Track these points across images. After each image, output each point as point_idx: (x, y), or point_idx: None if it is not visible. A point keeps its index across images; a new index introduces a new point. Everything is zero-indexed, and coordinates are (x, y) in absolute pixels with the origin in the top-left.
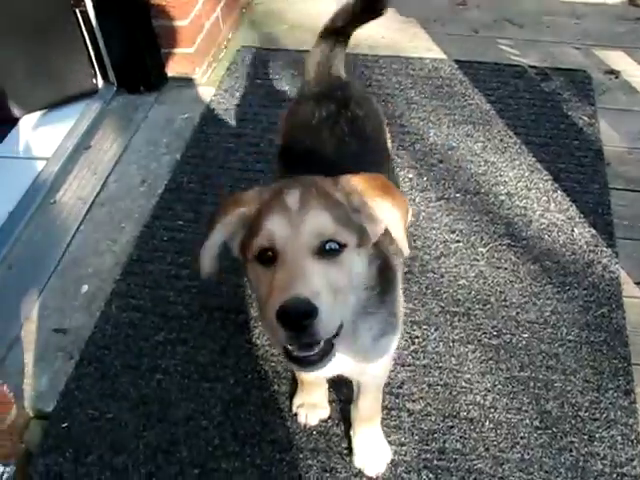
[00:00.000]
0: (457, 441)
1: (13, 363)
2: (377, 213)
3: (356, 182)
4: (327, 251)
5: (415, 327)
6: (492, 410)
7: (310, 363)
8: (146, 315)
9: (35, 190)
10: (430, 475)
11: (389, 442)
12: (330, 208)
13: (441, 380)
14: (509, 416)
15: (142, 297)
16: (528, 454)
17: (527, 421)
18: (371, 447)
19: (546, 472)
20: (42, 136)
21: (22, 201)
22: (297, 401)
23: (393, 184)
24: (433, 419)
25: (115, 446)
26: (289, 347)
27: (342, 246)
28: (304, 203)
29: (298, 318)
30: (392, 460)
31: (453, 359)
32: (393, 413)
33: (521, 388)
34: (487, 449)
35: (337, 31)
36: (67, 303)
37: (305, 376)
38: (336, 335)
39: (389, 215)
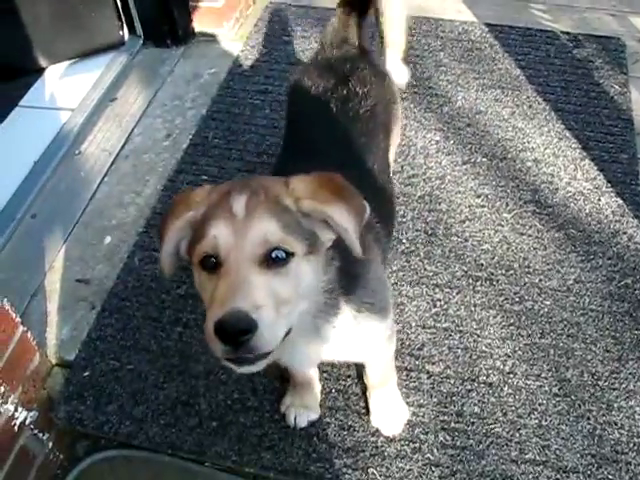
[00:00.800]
0: (475, 405)
1: (36, 312)
2: (330, 218)
3: (308, 185)
4: (273, 260)
5: (437, 290)
6: (511, 376)
7: (244, 363)
8: None
9: (60, 141)
10: (447, 437)
11: (407, 403)
12: (277, 214)
13: (461, 344)
14: (528, 382)
15: None
16: (546, 420)
17: (546, 388)
18: (387, 407)
19: (563, 439)
20: (68, 87)
21: (47, 151)
22: (287, 401)
23: (349, 186)
24: (452, 382)
25: (135, 396)
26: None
27: (289, 255)
28: (250, 209)
29: (235, 334)
30: (409, 421)
31: (474, 323)
32: (412, 375)
33: (541, 355)
34: (505, 414)
35: (351, 1)
36: (90, 254)
37: (298, 377)
38: (268, 355)
39: (342, 220)
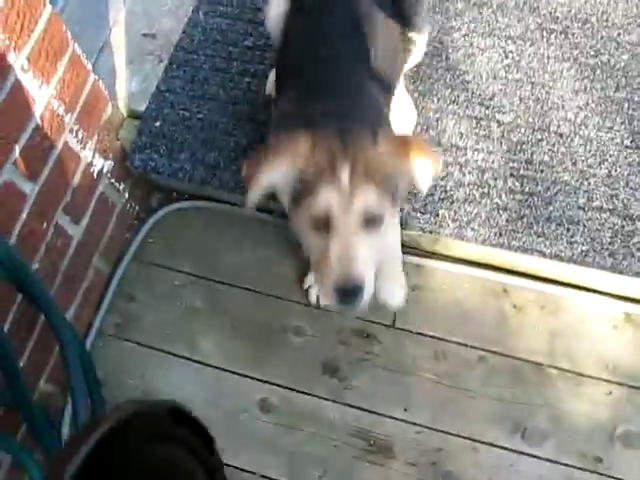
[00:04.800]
0: (545, 154)
1: (104, 65)
2: (413, 172)
3: (395, 144)
4: (369, 221)
5: (509, 42)
6: (583, 127)
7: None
8: (234, 21)
9: None
10: (516, 183)
11: (477, 150)
12: (375, 183)
13: (533, 95)
14: (600, 134)
15: (229, 3)
16: (615, 171)
17: (618, 140)
18: (391, 283)
19: (631, 189)
20: None
21: None
22: (309, 280)
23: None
24: (522, 131)
25: (207, 144)
26: None
27: (381, 217)
28: (354, 180)
29: (352, 297)
30: (479, 166)
31: (547, 75)
32: (482, 123)
33: (615, 108)
34: (574, 163)
35: None
36: (155, 8)
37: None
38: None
39: (424, 172)
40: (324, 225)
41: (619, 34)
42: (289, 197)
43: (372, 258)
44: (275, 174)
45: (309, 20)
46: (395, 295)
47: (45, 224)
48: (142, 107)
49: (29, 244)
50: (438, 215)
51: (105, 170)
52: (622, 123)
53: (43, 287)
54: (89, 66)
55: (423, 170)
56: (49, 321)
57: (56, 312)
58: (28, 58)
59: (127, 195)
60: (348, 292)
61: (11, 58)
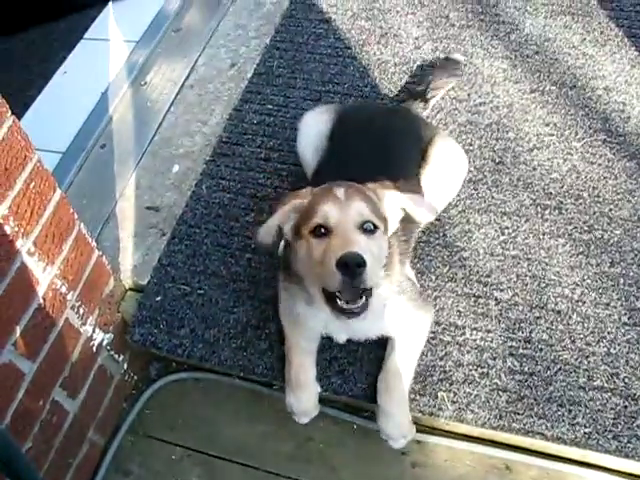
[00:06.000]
0: (543, 332)
1: (108, 238)
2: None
3: (381, 185)
4: (365, 230)
5: (505, 218)
6: (580, 304)
7: (352, 314)
8: (236, 196)
9: (126, 72)
10: (515, 363)
11: (475, 329)
12: (366, 201)
13: (530, 271)
14: (597, 311)
15: (232, 178)
16: (615, 349)
17: (615, 316)
18: (395, 419)
19: (632, 367)
20: (131, 19)
21: (113, 83)
22: (290, 401)
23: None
24: (520, 309)
25: (206, 320)
26: (338, 296)
27: (376, 227)
28: (348, 195)
29: (354, 264)
30: (477, 345)
31: (543, 251)
32: (480, 301)
33: (611, 284)
34: (573, 341)
35: None
36: (159, 182)
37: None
38: (371, 292)
39: (410, 203)
40: (324, 231)
41: (611, 209)
42: (292, 228)
43: (370, 256)
44: (281, 214)
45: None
46: (396, 432)
47: (41, 401)
48: (144, 280)
49: (23, 423)
50: (437, 397)
51: (105, 343)
52: (619, 299)
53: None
54: (93, 243)
55: (395, 202)
56: None
57: None
58: (35, 242)
59: (126, 366)
60: (350, 264)
61: (19, 243)
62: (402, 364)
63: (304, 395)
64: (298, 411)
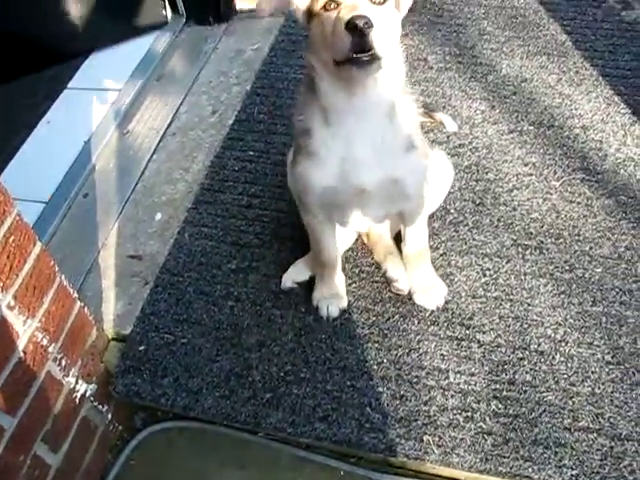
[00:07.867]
0: (527, 373)
1: (91, 288)
2: None
3: None
4: (374, 2)
5: (486, 259)
6: (563, 344)
7: (362, 63)
8: (218, 243)
9: (108, 121)
10: (499, 405)
11: (459, 372)
12: None
13: (512, 312)
14: (580, 350)
15: (214, 226)
16: (599, 388)
17: (599, 356)
18: (427, 284)
19: (617, 407)
20: (113, 68)
21: (96, 132)
22: (317, 295)
23: None
24: (503, 351)
25: (190, 369)
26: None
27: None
28: None
29: (362, 22)
30: (461, 389)
31: (524, 292)
32: (463, 344)
33: (593, 323)
34: (557, 382)
35: None
36: (141, 230)
37: (326, 257)
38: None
39: None
40: (335, 6)
41: (591, 247)
42: (304, 14)
43: (380, 26)
44: None
45: None
46: (431, 297)
47: (22, 456)
48: (127, 330)
49: (3, 479)
50: (422, 441)
51: (88, 394)
52: (601, 338)
53: None
54: (75, 294)
55: None
56: None
57: None
58: (15, 296)
59: (110, 416)
60: (358, 24)
61: None
62: (420, 237)
63: (333, 274)
64: (328, 295)
